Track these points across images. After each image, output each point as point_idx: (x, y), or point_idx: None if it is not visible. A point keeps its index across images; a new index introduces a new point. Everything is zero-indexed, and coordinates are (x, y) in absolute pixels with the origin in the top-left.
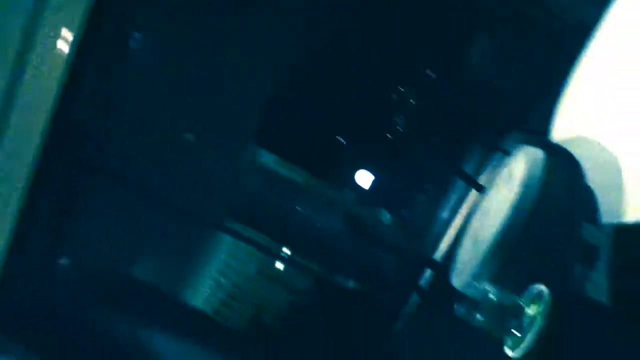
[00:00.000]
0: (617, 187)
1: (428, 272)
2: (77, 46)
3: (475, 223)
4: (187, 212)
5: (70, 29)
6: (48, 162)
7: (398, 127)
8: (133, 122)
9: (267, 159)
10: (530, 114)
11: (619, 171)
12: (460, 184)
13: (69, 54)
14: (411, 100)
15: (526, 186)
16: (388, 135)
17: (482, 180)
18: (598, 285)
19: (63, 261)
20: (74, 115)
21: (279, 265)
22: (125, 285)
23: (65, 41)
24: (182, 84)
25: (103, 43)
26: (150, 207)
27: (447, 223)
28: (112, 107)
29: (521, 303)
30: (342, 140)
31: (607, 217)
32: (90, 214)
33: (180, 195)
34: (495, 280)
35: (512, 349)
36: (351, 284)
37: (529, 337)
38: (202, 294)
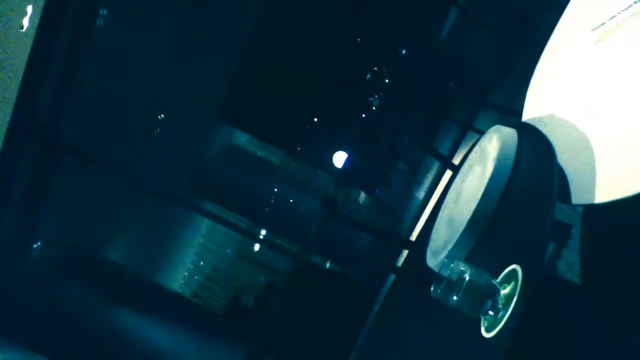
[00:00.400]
0: (589, 168)
1: (404, 252)
2: (43, 24)
3: (449, 203)
4: (163, 193)
5: (35, 6)
6: (16, 144)
7: (373, 107)
8: (105, 102)
9: (242, 139)
10: (503, 92)
11: (590, 152)
12: (434, 163)
13: (35, 31)
14: (385, 80)
15: (499, 165)
16: (363, 115)
17: (456, 159)
18: (570, 263)
19: (37, 244)
20: (41, 95)
21: (257, 246)
22: (103, 268)
23: (30, 19)
24: (153, 62)
25: (70, 20)
26: (126, 188)
27: (422, 203)
28: (81, 86)
29: (496, 283)
30: (317, 120)
31: (578, 197)
32: (63, 195)
33: (155, 176)
34: (470, 261)
35: (488, 329)
36: (328, 264)
37: (504, 317)
38: (180, 276)
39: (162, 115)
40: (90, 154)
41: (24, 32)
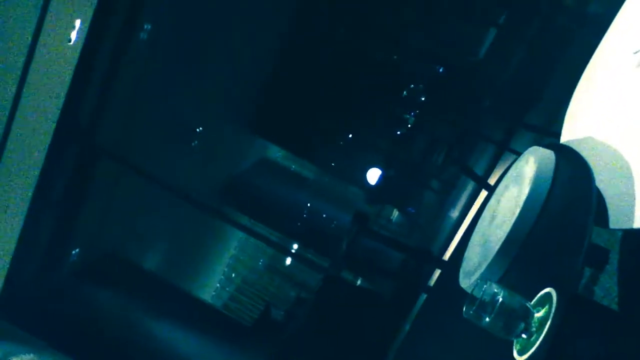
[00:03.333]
0: (629, 192)
1: (436, 272)
2: (88, 35)
3: (484, 223)
4: (197, 203)
5: (81, 18)
6: (59, 151)
7: (408, 124)
8: (142, 111)
9: (276, 154)
10: (541, 113)
11: (629, 176)
12: (469, 183)
13: (81, 43)
14: (422, 97)
15: (535, 187)
16: (397, 132)
17: (491, 180)
18: (607, 289)
19: (75, 251)
20: (84, 103)
21: (288, 260)
22: (136, 275)
23: (76, 30)
24: (192, 74)
25: (113, 33)
26: (162, 197)
27: (456, 223)
28: (120, 95)
29: (529, 306)
30: (352, 136)
31: (616, 221)
32: (101, 201)
33: (190, 186)
34: (504, 283)
35: (520, 352)
36: (359, 281)
37: (537, 341)
38: (211, 287)
39: (200, 128)
40: (129, 161)
41: (71, 45)
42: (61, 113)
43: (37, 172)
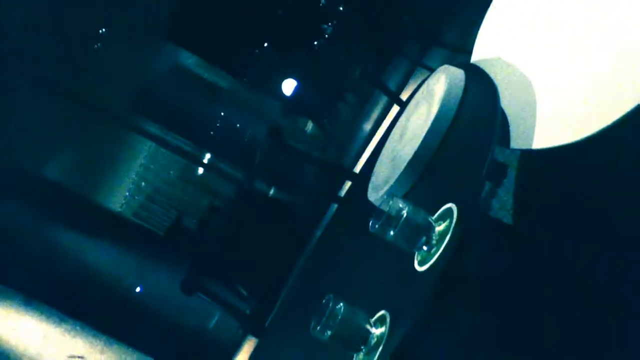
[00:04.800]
0: (529, 115)
1: (347, 184)
2: None
3: (393, 139)
4: (104, 110)
5: None
6: None
7: (325, 35)
8: (42, 11)
9: (189, 60)
10: (455, 30)
11: (533, 98)
12: (382, 98)
13: None
14: (340, 8)
15: (444, 106)
16: (315, 42)
17: (403, 95)
18: (503, 202)
19: None
20: None
21: (201, 170)
22: (40, 185)
23: None
24: None
25: None
26: (64, 104)
27: (368, 136)
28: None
29: (431, 220)
30: (268, 45)
31: (517, 142)
32: (3, 110)
33: (96, 93)
34: (409, 197)
35: (420, 263)
36: (272, 191)
37: (437, 253)
38: (120, 196)
39: (104, 29)
40: (24, 63)
41: None
42: None
43: None
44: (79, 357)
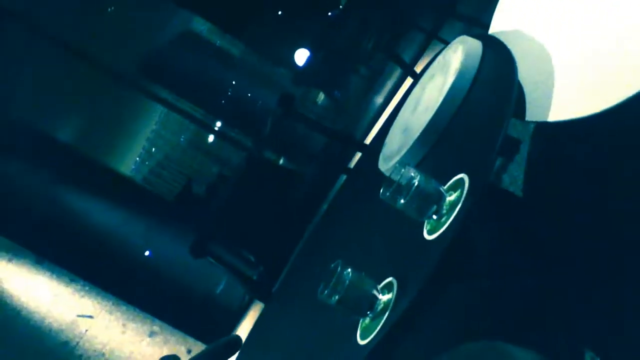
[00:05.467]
0: (546, 87)
1: (357, 155)
2: None
3: (406, 110)
4: (115, 74)
5: None
6: None
7: (340, 5)
8: None
9: (201, 27)
10: (472, 5)
11: (550, 71)
12: (396, 69)
13: None
14: None
15: (460, 77)
16: (329, 13)
17: (417, 67)
18: (514, 177)
19: None
20: None
21: (211, 138)
22: (50, 146)
23: None
24: None
25: None
26: (76, 65)
27: (380, 108)
28: None
29: (442, 190)
30: (282, 14)
31: (532, 114)
32: (12, 69)
33: (107, 56)
34: (421, 167)
35: (430, 232)
36: (282, 160)
37: (446, 222)
38: (131, 161)
39: None
40: (37, 23)
41: None
42: None
43: None
44: (87, 316)
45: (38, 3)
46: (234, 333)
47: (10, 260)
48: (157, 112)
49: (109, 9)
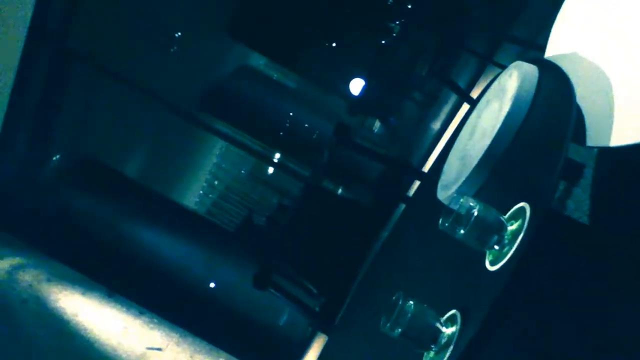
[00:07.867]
0: (606, 111)
1: (415, 183)
2: None
3: (463, 137)
4: (179, 110)
5: None
6: (32, 54)
7: (393, 33)
8: (120, 11)
9: (258, 61)
10: (527, 26)
11: (609, 95)
12: (452, 96)
13: None
14: (408, 5)
15: (517, 103)
16: (382, 41)
17: (473, 93)
18: (579, 202)
19: (56, 157)
20: (54, 5)
21: (270, 169)
22: (119, 181)
23: None
24: None
25: None
26: (142, 103)
27: (437, 135)
28: (93, 1)
29: (503, 219)
30: (336, 45)
31: (593, 139)
32: (80, 107)
33: (171, 93)
34: (481, 196)
35: (492, 263)
36: (340, 190)
37: (509, 252)
38: (194, 194)
39: (179, 33)
40: (106, 64)
41: None
42: (32, 17)
43: (12, 76)
44: (156, 348)
45: (105, 44)
46: None
47: (83, 293)
48: (218, 146)
49: (172, 49)
